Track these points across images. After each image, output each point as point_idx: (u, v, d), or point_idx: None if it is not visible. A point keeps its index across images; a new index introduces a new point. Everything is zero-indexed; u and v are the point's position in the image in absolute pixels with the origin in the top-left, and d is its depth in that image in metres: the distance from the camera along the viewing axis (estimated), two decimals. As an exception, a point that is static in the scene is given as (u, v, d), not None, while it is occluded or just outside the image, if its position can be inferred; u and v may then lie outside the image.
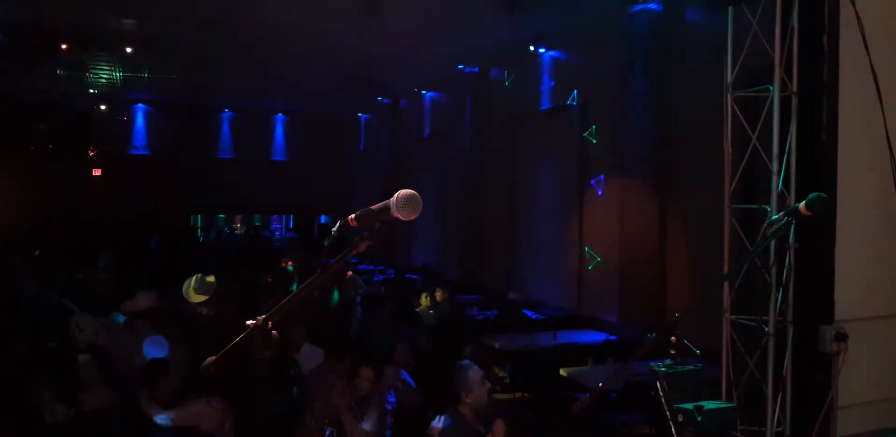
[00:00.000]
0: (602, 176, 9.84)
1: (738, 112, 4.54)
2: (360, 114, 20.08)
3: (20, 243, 12.92)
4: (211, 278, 6.91)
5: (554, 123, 11.13)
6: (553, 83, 11.17)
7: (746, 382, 4.46)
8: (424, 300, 9.15)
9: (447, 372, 4.06)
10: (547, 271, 11.15)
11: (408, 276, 13.24)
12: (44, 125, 17.57)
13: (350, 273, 9.73)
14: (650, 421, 6.72)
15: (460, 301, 10.41)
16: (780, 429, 4.33)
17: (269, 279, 9.47)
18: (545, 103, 11.35)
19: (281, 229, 21.96)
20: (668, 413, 4.90)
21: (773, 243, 4.23)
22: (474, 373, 3.93)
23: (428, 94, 16.01)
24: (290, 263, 10.47)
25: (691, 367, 5.07)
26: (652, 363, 3.70)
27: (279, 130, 20.77)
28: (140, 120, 19.26)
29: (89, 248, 11.71)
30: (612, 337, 8.60)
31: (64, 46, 11.72)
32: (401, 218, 1.90)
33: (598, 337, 8.71)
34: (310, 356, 5.66)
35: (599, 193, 9.90)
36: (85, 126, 18.00)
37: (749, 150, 4.47)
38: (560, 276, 10.75)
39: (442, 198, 14.71)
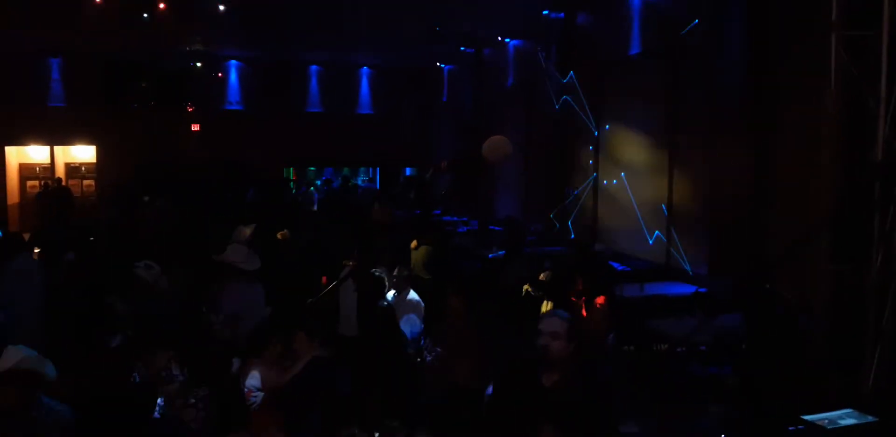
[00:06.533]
0: (693, 124, 9.53)
1: (844, 53, 4.32)
2: (443, 65, 19.98)
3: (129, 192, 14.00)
4: None
5: (642, 70, 10.83)
6: (642, 27, 10.79)
7: (844, 332, 4.37)
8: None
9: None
10: (633, 224, 10.98)
11: (491, 227, 13.29)
12: (144, 84, 18.53)
13: None
14: (739, 373, 6.61)
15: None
16: (876, 380, 4.25)
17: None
18: (634, 49, 11.01)
19: (367, 181, 22.33)
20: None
21: (876, 187, 4.07)
22: None
23: (511, 42, 15.73)
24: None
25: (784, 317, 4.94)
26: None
27: (364, 84, 21.17)
28: (233, 76, 20.00)
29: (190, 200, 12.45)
30: (703, 289, 8.39)
31: (161, 6, 12.07)
32: (489, 159, 1.94)
33: (687, 289, 8.52)
34: None
35: (690, 141, 9.60)
36: (182, 84, 18.84)
37: (855, 93, 4.28)
38: (647, 228, 10.59)
39: (526, 148, 14.61)
